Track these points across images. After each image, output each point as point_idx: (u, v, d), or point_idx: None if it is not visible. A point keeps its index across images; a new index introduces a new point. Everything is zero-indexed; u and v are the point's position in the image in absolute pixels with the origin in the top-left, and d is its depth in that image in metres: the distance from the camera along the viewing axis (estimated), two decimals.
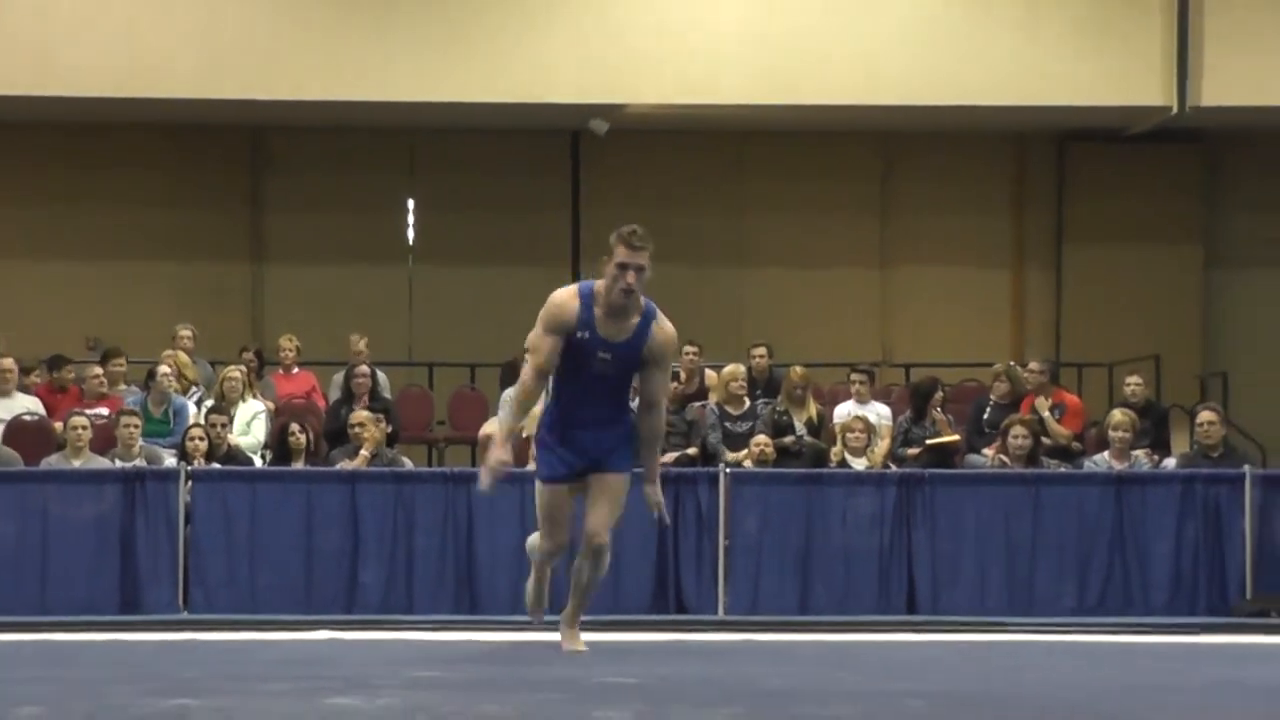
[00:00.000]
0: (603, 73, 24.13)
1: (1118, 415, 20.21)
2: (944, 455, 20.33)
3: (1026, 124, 26.32)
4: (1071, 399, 21.74)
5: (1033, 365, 21.85)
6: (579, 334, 10.18)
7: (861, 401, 20.88)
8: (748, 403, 20.51)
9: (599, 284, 10.31)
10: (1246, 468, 19.43)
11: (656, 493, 10.61)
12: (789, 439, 20.03)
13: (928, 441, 20.42)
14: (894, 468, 20.05)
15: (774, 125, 25.93)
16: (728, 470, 18.77)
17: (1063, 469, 20.15)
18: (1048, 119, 25.83)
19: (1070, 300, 26.87)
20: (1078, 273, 26.83)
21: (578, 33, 24.24)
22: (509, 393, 11.22)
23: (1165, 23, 24.46)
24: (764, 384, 21.22)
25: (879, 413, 20.76)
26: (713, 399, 20.72)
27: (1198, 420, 20.38)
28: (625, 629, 16.02)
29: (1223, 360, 26.44)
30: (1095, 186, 26.76)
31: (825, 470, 19.51)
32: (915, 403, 21.24)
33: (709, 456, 19.74)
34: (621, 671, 10.60)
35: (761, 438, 19.60)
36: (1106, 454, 20.03)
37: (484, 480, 10.54)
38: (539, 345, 10.31)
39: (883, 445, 20.30)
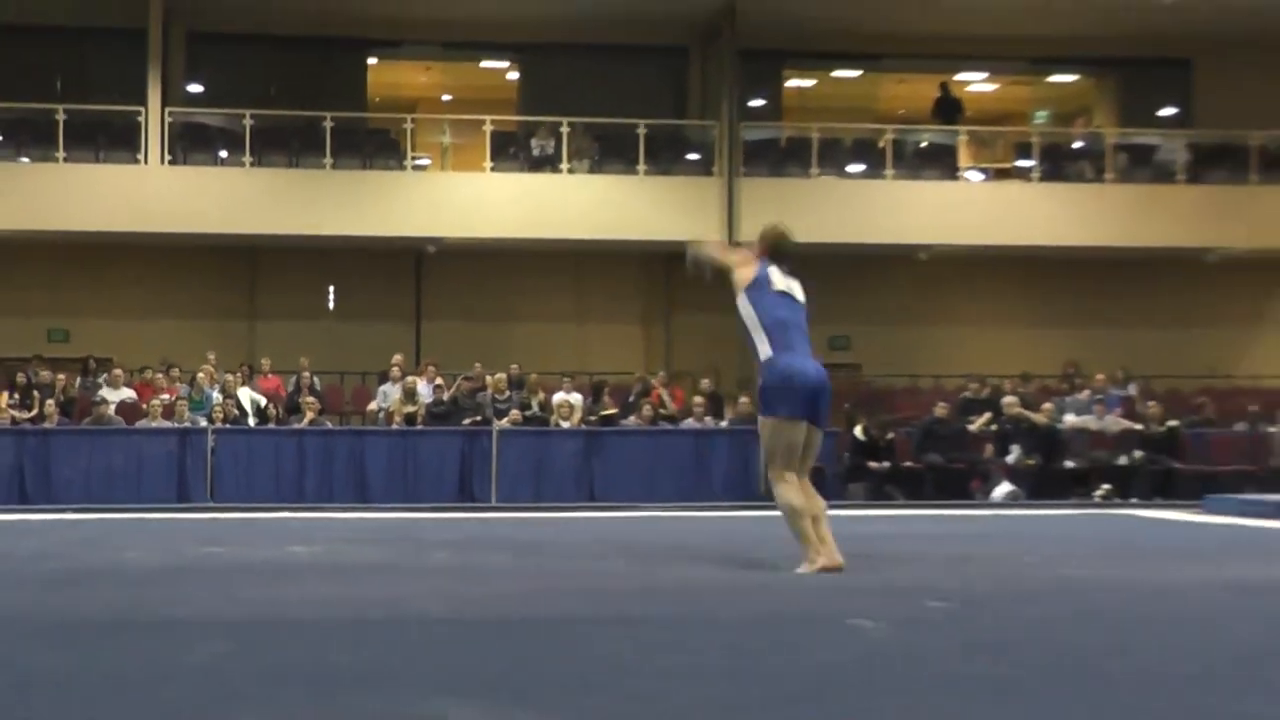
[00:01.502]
0: (436, 215, 25.27)
1: (697, 398, 22.83)
2: (610, 420, 22.81)
3: (651, 250, 26.36)
4: (678, 391, 24.03)
5: (661, 375, 24.18)
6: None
7: (567, 392, 22.97)
8: (509, 393, 22.78)
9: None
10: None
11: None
12: (529, 412, 22.51)
13: (601, 414, 22.85)
14: (583, 427, 22.15)
15: (538, 250, 26.49)
16: (498, 430, 21.33)
17: (666, 427, 22.46)
18: (659, 248, 25.59)
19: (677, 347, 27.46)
20: (682, 334, 27.29)
21: (420, 194, 25.60)
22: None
23: (719, 200, 25.70)
24: (517, 384, 23.28)
25: (575, 399, 22.73)
26: (490, 391, 22.73)
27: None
28: (440, 511, 18.96)
29: None
30: (697, 300, 24.03)
31: (551, 429, 22.02)
32: (594, 393, 23.70)
33: (487, 421, 21.76)
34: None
35: (515, 413, 22.24)
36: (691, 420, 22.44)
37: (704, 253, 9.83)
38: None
39: (577, 415, 22.34)
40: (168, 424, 21.21)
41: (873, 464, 22.16)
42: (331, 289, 27.39)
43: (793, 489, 9.35)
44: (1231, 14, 26.14)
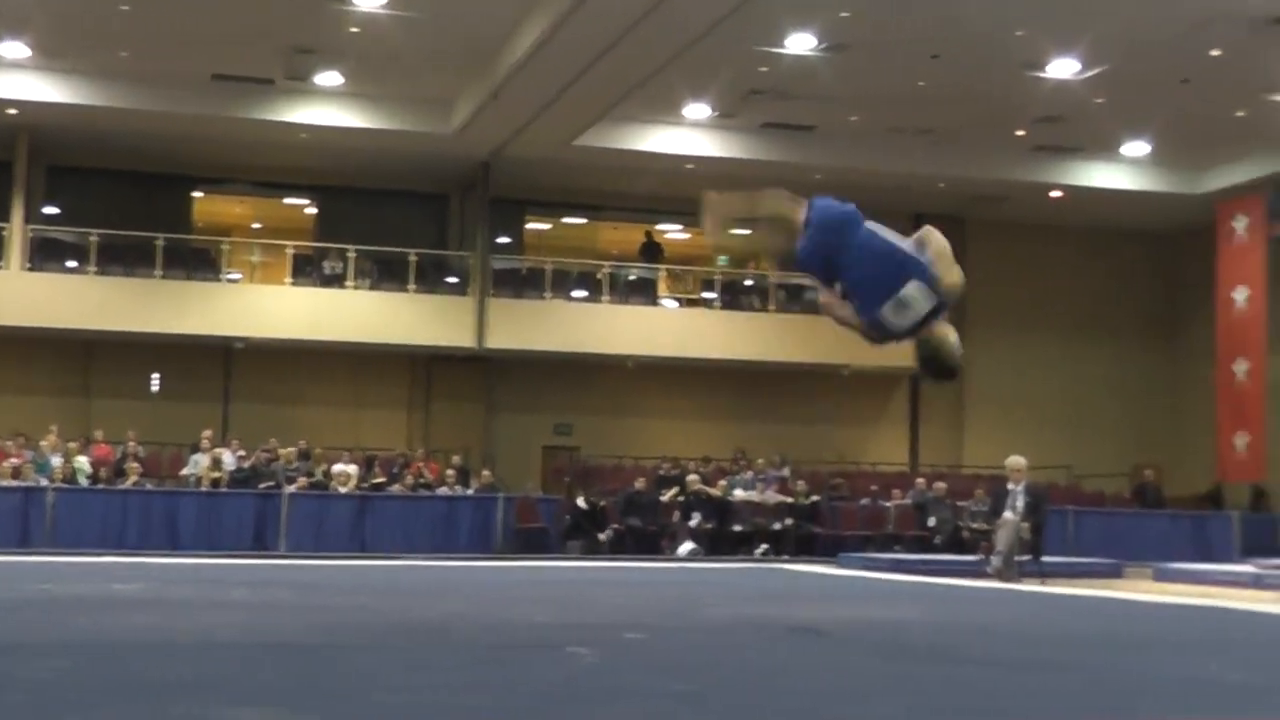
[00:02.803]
0: (244, 319, 24.89)
1: (449, 471, 22.62)
2: (379, 487, 22.12)
3: (415, 352, 26.46)
4: (434, 465, 23.20)
5: (420, 452, 23.93)
6: None
7: (345, 463, 22.19)
8: (297, 463, 22.08)
9: None
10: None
11: None
12: (313, 479, 21.80)
13: (372, 481, 22.10)
14: (357, 492, 21.51)
15: (326, 349, 25.90)
16: (287, 493, 20.87)
17: (424, 493, 22.15)
18: (422, 351, 26.25)
19: (433, 429, 26.90)
20: (438, 419, 27.02)
21: (232, 302, 25.08)
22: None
23: (473, 315, 25.56)
24: (304, 455, 22.40)
25: (351, 469, 22.06)
26: (282, 461, 22.10)
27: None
28: (238, 558, 18.55)
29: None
30: (452, 392, 27.13)
31: (331, 493, 21.36)
32: (367, 464, 22.89)
33: (279, 486, 21.16)
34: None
35: (302, 479, 21.67)
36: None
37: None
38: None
39: (352, 482, 21.66)
40: (15, 483, 20.45)
41: (588, 526, 22.18)
42: (157, 375, 26.63)
43: None
44: (860, 190, 25.67)
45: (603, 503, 22.62)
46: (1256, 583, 16.13)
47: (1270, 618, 9.97)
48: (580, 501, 22.54)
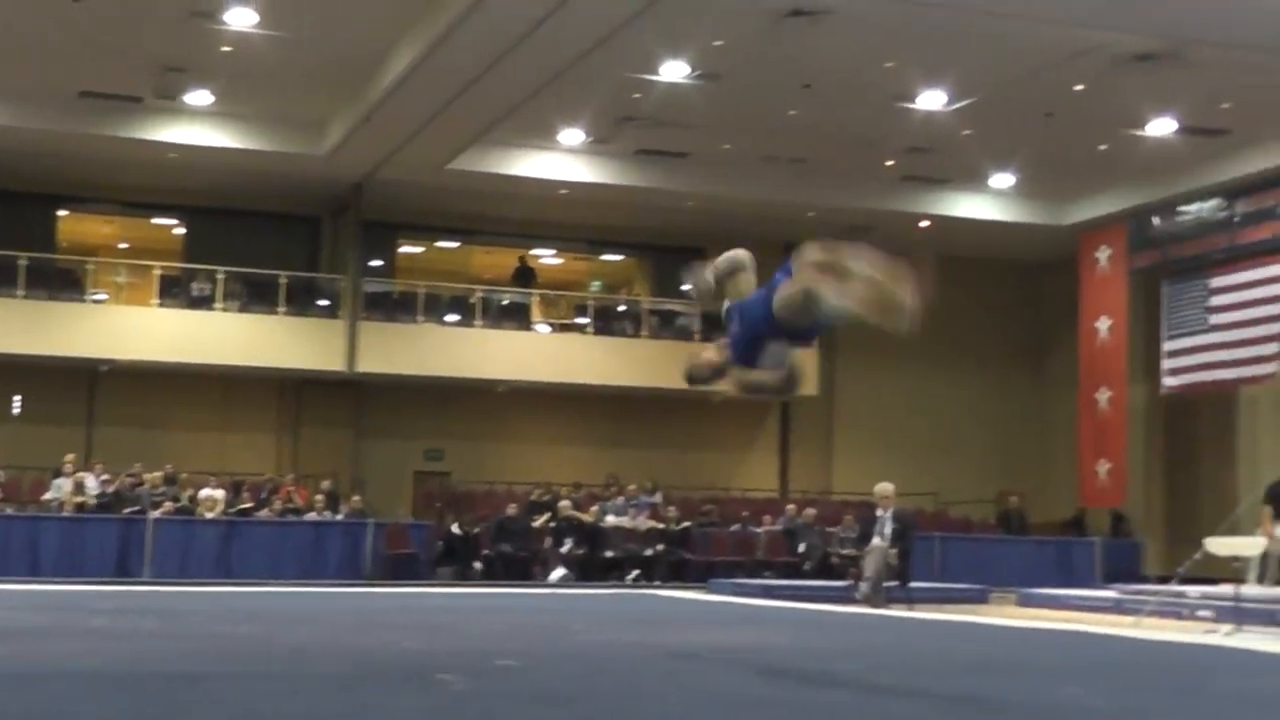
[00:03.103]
0: (109, 341, 24.34)
1: (319, 496, 22.52)
2: (247, 512, 21.99)
3: (285, 376, 26.28)
4: (303, 490, 23.36)
5: (290, 477, 23.99)
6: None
7: (212, 488, 22.12)
8: (163, 488, 21.93)
9: None
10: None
11: None
12: (179, 504, 21.60)
13: (239, 507, 22.01)
14: (224, 518, 21.48)
15: (194, 372, 25.46)
16: (153, 518, 20.68)
17: (292, 519, 22.18)
18: (292, 374, 26.09)
19: (303, 454, 26.67)
20: (307, 444, 26.76)
21: (97, 323, 24.55)
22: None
23: (344, 338, 25.45)
24: (170, 480, 22.44)
25: (218, 494, 21.88)
26: (148, 486, 21.99)
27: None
28: (101, 585, 18.76)
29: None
30: (322, 416, 26.87)
31: (197, 519, 21.22)
32: (234, 489, 22.73)
33: (144, 511, 20.94)
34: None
35: (168, 504, 21.32)
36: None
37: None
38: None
39: (219, 507, 21.52)
40: None
41: (461, 552, 22.11)
42: (18, 398, 25.97)
43: None
44: (732, 218, 26.85)
45: (475, 529, 22.48)
46: (1117, 607, 16.39)
47: (1130, 641, 10.15)
48: (454, 528, 22.40)
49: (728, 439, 29.25)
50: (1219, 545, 13.75)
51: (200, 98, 22.42)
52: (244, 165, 24.50)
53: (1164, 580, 18.84)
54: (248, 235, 26.78)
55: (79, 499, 21.36)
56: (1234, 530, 15.86)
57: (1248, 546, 15.45)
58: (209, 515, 21.70)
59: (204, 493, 22.17)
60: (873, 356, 28.26)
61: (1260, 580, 18.55)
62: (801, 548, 23.23)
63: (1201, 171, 23.76)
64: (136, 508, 21.49)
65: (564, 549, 22.49)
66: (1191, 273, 23.96)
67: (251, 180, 25.44)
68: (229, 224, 26.91)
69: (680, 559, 23.12)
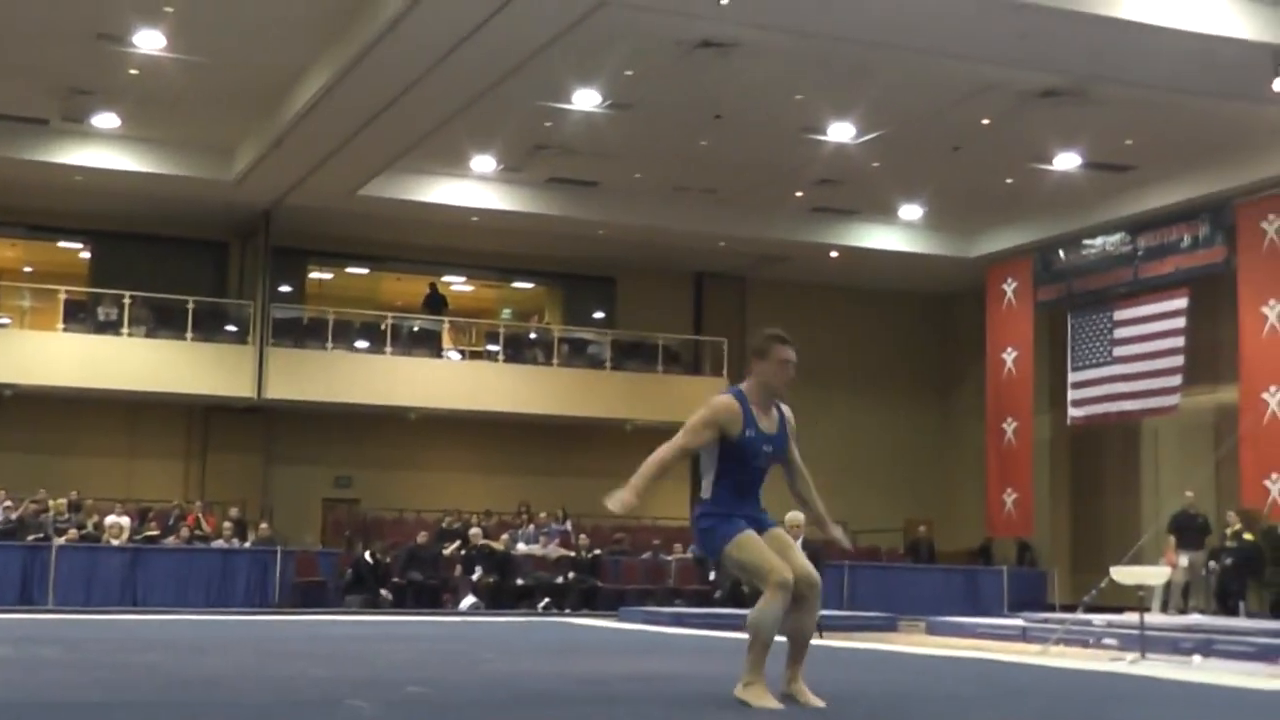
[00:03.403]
0: (12, 365, 23.96)
1: (227, 524, 22.74)
2: (153, 539, 22.01)
3: (192, 402, 26.02)
4: (210, 518, 23.15)
5: (198, 504, 23.93)
6: (746, 432, 6.42)
7: (118, 515, 22.02)
8: (68, 515, 21.78)
9: (745, 386, 6.52)
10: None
11: (837, 529, 6.94)
12: (84, 531, 21.39)
13: (145, 534, 22.02)
14: (130, 544, 21.36)
15: (100, 397, 25.22)
16: (57, 545, 20.49)
17: (200, 546, 22.22)
18: (199, 400, 25.81)
19: (210, 480, 26.51)
20: (215, 470, 26.58)
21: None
22: (652, 457, 6.64)
23: (252, 364, 25.28)
24: (75, 507, 22.42)
25: (124, 521, 21.87)
26: (52, 513, 21.77)
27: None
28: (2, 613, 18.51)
29: None
30: (230, 443, 26.72)
31: (102, 545, 21.17)
32: (140, 516, 22.70)
33: (48, 538, 20.83)
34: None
35: (73, 531, 21.27)
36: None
37: (615, 504, 6.56)
38: (699, 431, 6.47)
39: (125, 534, 21.54)
40: None
41: (370, 580, 22.01)
42: None
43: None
44: (644, 247, 27.31)
45: (387, 557, 22.39)
46: (1024, 635, 16.57)
47: (1037, 669, 10.26)
48: (366, 555, 22.26)
49: (639, 467, 29.04)
50: (1124, 574, 13.88)
51: (107, 120, 22.17)
52: (151, 190, 24.28)
53: (1070, 609, 19.03)
54: (155, 260, 26.47)
55: None
56: (1138, 559, 15.97)
57: (1152, 575, 15.60)
58: (115, 542, 21.53)
59: (109, 519, 22.13)
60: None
61: (1164, 609, 19.16)
62: (712, 576, 23.28)
63: (1105, 206, 24.17)
64: (40, 535, 21.30)
65: (474, 577, 22.46)
66: (1096, 305, 24.28)
67: (159, 205, 25.20)
68: (136, 248, 26.61)
69: (591, 587, 23.13)
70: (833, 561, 21.56)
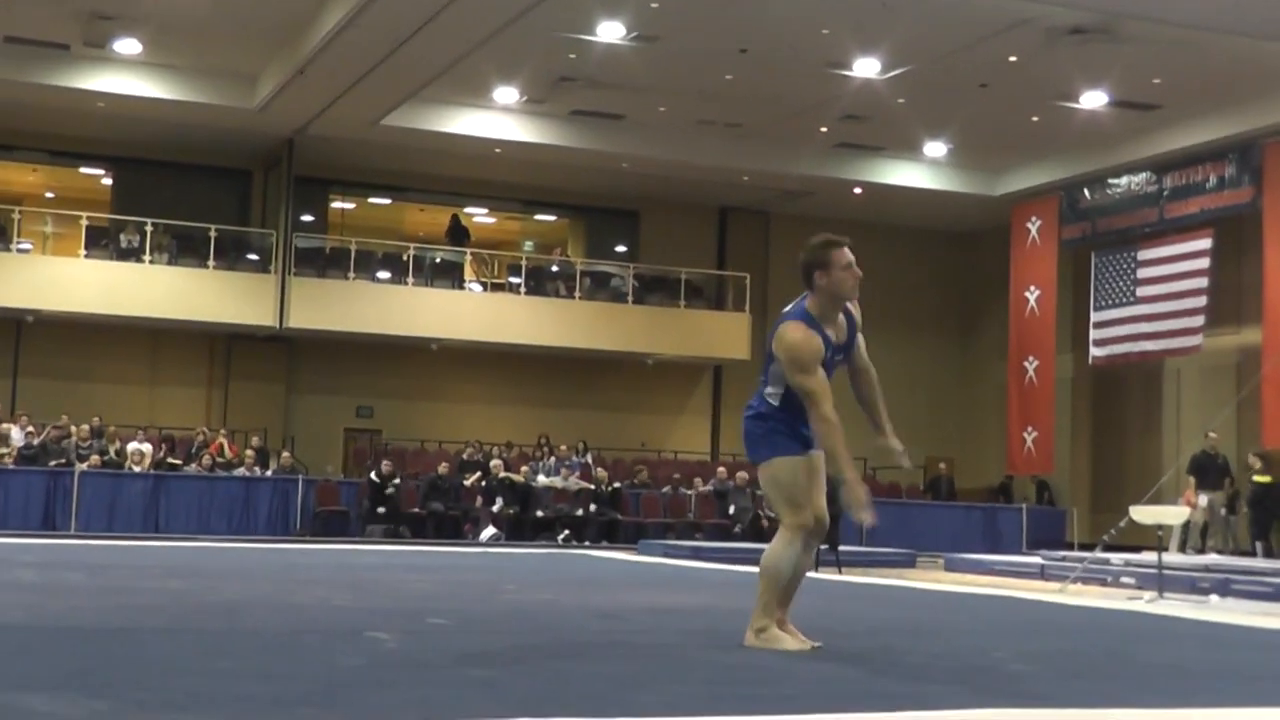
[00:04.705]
0: (35, 291, 23.91)
1: (249, 451, 22.91)
2: (175, 466, 22.12)
3: (214, 330, 25.93)
4: (233, 446, 23.43)
5: (220, 431, 24.06)
6: (826, 353, 6.09)
7: (140, 442, 22.05)
8: (90, 441, 21.74)
9: (809, 302, 6.18)
10: None
11: (898, 441, 6.57)
12: (106, 457, 21.50)
13: (168, 461, 22.23)
14: (152, 472, 21.51)
15: (122, 324, 25.13)
16: (79, 471, 20.79)
17: (221, 474, 22.22)
18: (221, 329, 25.70)
19: (233, 408, 26.46)
20: (238, 398, 26.48)
21: (23, 273, 24.09)
22: (828, 442, 6.05)
23: (275, 294, 25.02)
24: (98, 433, 22.31)
25: (146, 448, 21.95)
26: (74, 438, 21.80)
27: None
28: (26, 538, 18.47)
29: None
30: (252, 371, 26.57)
31: (124, 472, 21.33)
32: (163, 443, 22.69)
33: (70, 464, 20.98)
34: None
35: (95, 457, 21.28)
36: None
37: (868, 517, 5.98)
38: (822, 383, 6.04)
39: (147, 461, 21.60)
40: None
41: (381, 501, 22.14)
42: None
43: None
44: (667, 181, 27.13)
45: (395, 479, 22.42)
46: (1043, 573, 16.62)
47: (1055, 607, 10.32)
48: (373, 475, 22.30)
49: (660, 401, 29.35)
50: (1143, 514, 13.89)
51: (129, 46, 21.98)
52: (174, 117, 24.18)
53: (1088, 548, 19.03)
54: (177, 187, 26.37)
55: (3, 451, 21.26)
56: (1158, 499, 16.07)
57: (1171, 515, 15.66)
58: (137, 469, 21.62)
59: (132, 446, 22.17)
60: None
61: (1182, 549, 19.17)
62: (732, 510, 23.42)
63: (1132, 145, 23.99)
64: (63, 460, 21.36)
65: (495, 508, 22.54)
66: (1120, 245, 24.19)
67: (181, 132, 25.11)
68: (158, 175, 26.50)
69: (611, 520, 23.23)
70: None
